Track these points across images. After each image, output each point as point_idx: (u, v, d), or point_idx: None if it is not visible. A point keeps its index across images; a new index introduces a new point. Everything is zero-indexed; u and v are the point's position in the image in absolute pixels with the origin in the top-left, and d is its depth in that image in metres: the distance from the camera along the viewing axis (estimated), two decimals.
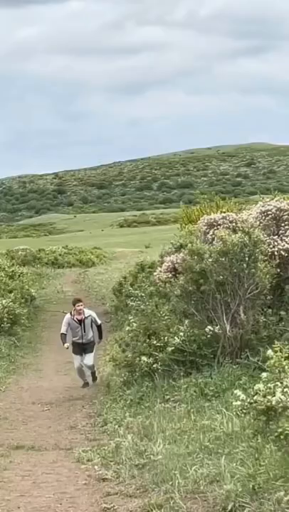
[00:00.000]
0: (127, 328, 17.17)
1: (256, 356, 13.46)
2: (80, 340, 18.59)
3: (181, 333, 14.81)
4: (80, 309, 18.62)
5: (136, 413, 13.31)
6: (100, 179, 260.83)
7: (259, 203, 16.68)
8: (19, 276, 33.77)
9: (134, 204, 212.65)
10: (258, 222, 15.80)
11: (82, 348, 18.62)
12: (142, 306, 18.11)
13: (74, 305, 18.94)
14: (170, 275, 17.89)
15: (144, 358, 14.97)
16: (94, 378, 18.85)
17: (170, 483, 8.83)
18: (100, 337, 19.10)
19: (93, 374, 18.91)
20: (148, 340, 15.28)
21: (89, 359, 18.64)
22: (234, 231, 15.27)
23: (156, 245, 41.10)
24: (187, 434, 10.97)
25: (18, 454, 11.91)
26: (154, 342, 15.09)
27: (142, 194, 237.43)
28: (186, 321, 15.17)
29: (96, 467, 10.52)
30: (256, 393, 9.04)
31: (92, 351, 18.79)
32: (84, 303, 19.54)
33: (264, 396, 8.55)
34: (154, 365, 14.73)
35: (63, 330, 18.72)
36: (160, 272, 18.77)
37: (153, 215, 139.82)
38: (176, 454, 10.02)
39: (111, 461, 10.61)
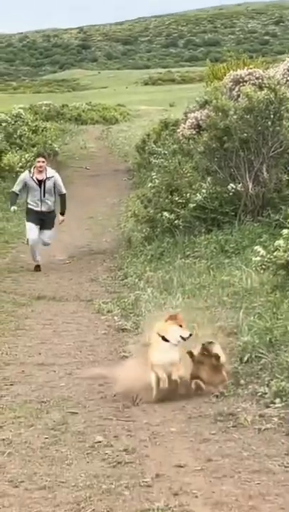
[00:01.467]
0: (150, 184, 17.16)
1: (277, 215, 13.45)
2: (38, 208, 15.46)
3: (204, 190, 14.78)
4: (41, 166, 15.41)
5: (156, 268, 13.45)
6: (125, 35, 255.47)
7: (286, 60, 16.33)
8: (42, 131, 33.50)
9: (159, 61, 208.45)
10: (284, 79, 15.49)
11: (39, 219, 15.48)
12: (164, 163, 17.98)
13: (35, 160, 16.38)
14: (194, 132, 17.77)
15: (165, 214, 15.01)
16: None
17: None
18: (63, 211, 15.92)
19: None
20: (170, 196, 15.28)
21: (47, 235, 15.65)
22: (260, 88, 15.00)
23: (181, 104, 40.49)
24: (206, 289, 11.11)
25: (39, 304, 12.13)
26: (176, 198, 15.10)
27: (167, 51, 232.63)
28: (209, 179, 15.11)
29: (116, 318, 10.73)
30: (276, 249, 9.10)
31: (51, 227, 15.73)
32: (47, 161, 16.29)
33: (284, 251, 8.59)
34: (176, 222, 14.79)
35: (15, 188, 15.71)
36: (184, 128, 18.65)
37: (178, 73, 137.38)
38: (194, 307, 10.14)
39: (130, 313, 10.80)
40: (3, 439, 6.36)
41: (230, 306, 9.82)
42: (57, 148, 33.07)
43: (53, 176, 15.58)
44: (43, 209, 15.45)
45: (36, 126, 33.49)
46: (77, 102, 62.48)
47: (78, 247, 17.93)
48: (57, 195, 15.65)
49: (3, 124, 30.49)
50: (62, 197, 15.78)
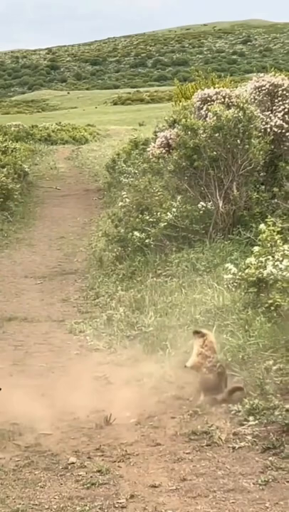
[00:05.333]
0: (120, 203, 17.12)
1: (248, 232, 13.48)
2: None
3: (174, 209, 14.76)
4: None
5: (128, 287, 13.41)
6: (93, 55, 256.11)
7: (253, 79, 16.40)
8: (12, 151, 33.36)
9: (128, 81, 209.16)
10: (252, 98, 15.55)
11: None
12: (134, 182, 17.96)
13: None
14: (164, 151, 17.74)
15: (136, 233, 14.98)
16: None
17: (160, 353, 8.97)
18: None
19: None
20: (141, 215, 15.26)
21: None
22: (228, 107, 15.05)
23: (150, 123, 40.70)
24: (178, 307, 11.08)
25: (10, 325, 12.04)
26: (147, 217, 15.07)
27: (136, 71, 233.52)
28: (179, 197, 15.11)
29: (88, 338, 10.67)
30: (247, 267, 9.11)
31: None
32: None
33: (255, 269, 8.60)
34: (147, 241, 14.75)
35: None
36: (154, 147, 18.62)
37: (147, 93, 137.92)
38: (167, 326, 10.16)
39: (103, 333, 10.76)
40: None
41: (202, 324, 9.80)
42: (27, 169, 32.94)
43: None
44: None
45: (6, 146, 33.34)
46: (46, 122, 62.48)
47: (49, 268, 17.82)
48: None
49: None
50: None
